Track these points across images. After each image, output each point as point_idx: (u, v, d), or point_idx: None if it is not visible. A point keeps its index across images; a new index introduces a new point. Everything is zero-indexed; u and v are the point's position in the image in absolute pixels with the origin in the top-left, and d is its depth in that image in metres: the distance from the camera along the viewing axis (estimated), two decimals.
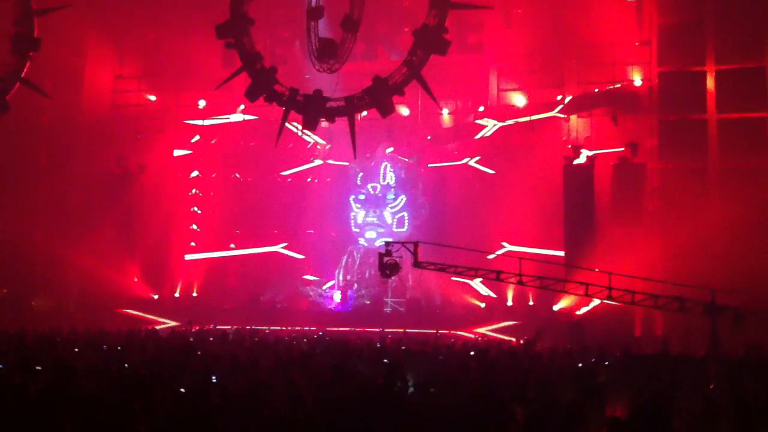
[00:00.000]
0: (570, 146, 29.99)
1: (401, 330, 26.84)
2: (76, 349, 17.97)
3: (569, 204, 29.52)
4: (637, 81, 30.22)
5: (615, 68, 30.86)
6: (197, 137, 35.19)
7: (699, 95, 29.42)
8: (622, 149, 29.34)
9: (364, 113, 25.57)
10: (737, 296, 18.86)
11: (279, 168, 34.59)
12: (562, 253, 28.87)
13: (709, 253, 26.69)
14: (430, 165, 33.38)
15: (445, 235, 27.92)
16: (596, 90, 30.79)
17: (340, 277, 33.08)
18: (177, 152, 35.18)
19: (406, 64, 21.89)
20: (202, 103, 34.80)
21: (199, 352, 17.18)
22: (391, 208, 33.09)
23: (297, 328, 28.69)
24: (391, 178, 33.26)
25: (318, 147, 34.45)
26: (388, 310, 31.64)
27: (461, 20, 30.22)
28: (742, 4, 28.85)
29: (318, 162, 34.53)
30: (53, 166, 35.03)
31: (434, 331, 26.96)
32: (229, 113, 34.39)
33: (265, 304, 32.69)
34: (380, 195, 33.15)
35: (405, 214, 33.05)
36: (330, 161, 34.18)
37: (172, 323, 30.69)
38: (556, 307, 28.49)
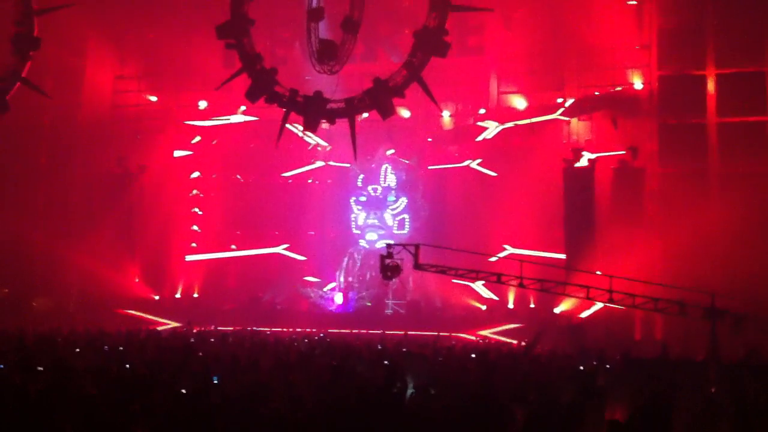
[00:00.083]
0: (571, 149, 30.01)
1: (402, 332, 26.83)
2: (77, 350, 17.95)
3: (569, 207, 29.54)
4: (638, 84, 30.25)
5: (615, 71, 30.88)
6: (198, 138, 35.18)
7: (699, 99, 29.46)
8: (623, 152, 29.36)
9: (365, 115, 25.57)
10: (737, 300, 18.83)
11: (279, 169, 34.59)
12: (562, 256, 28.87)
13: (709, 256, 26.68)
14: (430, 167, 33.40)
15: (445, 237, 27.95)
16: (596, 93, 30.81)
17: (341, 279, 33.09)
18: (177, 153, 35.14)
19: (407, 65, 21.90)
20: (202, 104, 34.79)
21: (200, 353, 17.17)
22: (392, 209, 33.11)
23: (298, 330, 28.67)
24: (391, 179, 33.28)
25: (318, 148, 34.45)
26: (388, 312, 31.65)
27: (461, 22, 30.24)
28: (742, 9, 28.87)
29: (319, 163, 34.54)
30: (53, 166, 35.07)
31: (435, 334, 26.94)
32: (230, 114, 34.37)
33: (265, 306, 32.69)
34: (381, 197, 33.17)
35: (405, 216, 33.07)
36: (331, 163, 34.19)
37: (173, 324, 30.66)
38: (556, 310, 28.49)
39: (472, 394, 11.35)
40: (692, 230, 26.19)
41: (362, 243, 33.15)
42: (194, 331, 26.50)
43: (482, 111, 32.94)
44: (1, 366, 13.65)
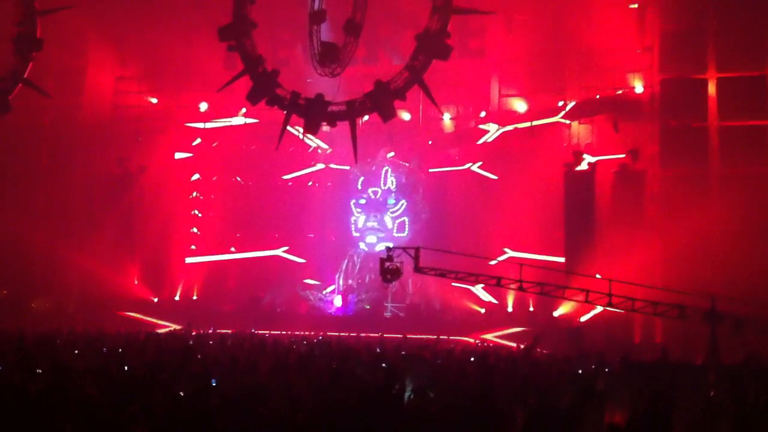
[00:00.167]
0: (572, 152, 30.00)
1: (401, 335, 26.78)
2: (76, 351, 17.95)
3: (570, 210, 29.55)
4: (639, 88, 30.26)
5: (616, 74, 30.91)
6: (198, 140, 35.18)
7: (700, 102, 29.44)
8: (623, 156, 29.37)
9: (366, 117, 25.55)
10: (737, 303, 18.82)
11: (280, 171, 34.58)
12: (562, 259, 28.86)
13: (709, 259, 26.69)
14: (431, 170, 33.41)
15: (445, 240, 27.95)
16: (597, 96, 30.81)
17: (341, 282, 33.08)
18: (178, 155, 35.14)
19: (408, 68, 21.90)
20: (203, 106, 34.79)
21: (198, 356, 17.16)
22: (392, 212, 33.09)
23: (297, 333, 28.63)
24: (391, 182, 33.28)
25: (319, 151, 34.45)
26: (388, 315, 31.63)
27: (463, 25, 30.22)
28: (743, 12, 28.85)
29: (319, 166, 34.53)
30: (54, 167, 35.08)
31: (434, 337, 26.90)
32: (231, 116, 34.38)
33: (264, 308, 32.67)
34: (381, 199, 33.16)
35: (405, 218, 33.06)
36: (331, 165, 34.19)
37: (172, 326, 30.63)
38: (556, 314, 28.48)
39: (471, 396, 11.35)
40: (693, 233, 26.18)
41: (362, 246, 33.13)
42: (193, 333, 26.48)
43: (483, 114, 32.96)
44: (1, 367, 13.67)
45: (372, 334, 27.41)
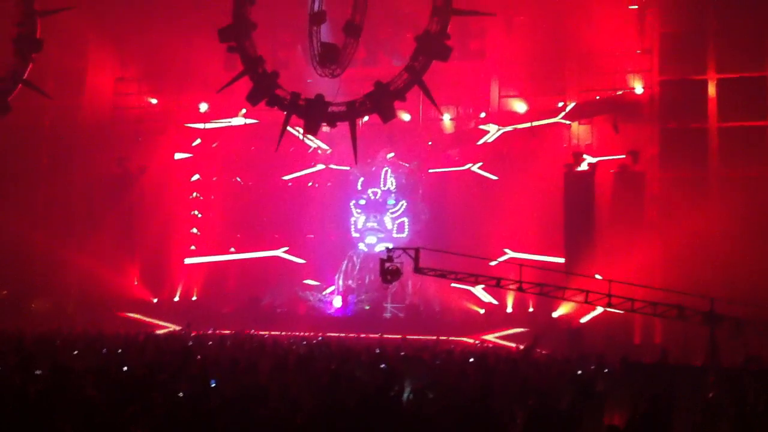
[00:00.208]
0: (572, 153, 30.01)
1: (400, 336, 26.78)
2: (76, 351, 17.96)
3: (570, 211, 29.54)
4: (638, 89, 30.26)
5: (616, 76, 30.92)
6: (198, 140, 35.17)
7: (700, 104, 29.46)
8: (623, 157, 29.39)
9: (366, 118, 25.54)
10: (737, 305, 18.83)
11: (280, 172, 34.53)
12: (562, 260, 28.86)
13: (709, 260, 26.69)
14: (430, 170, 33.38)
15: (445, 241, 27.93)
16: (597, 97, 30.83)
17: (341, 282, 33.07)
18: (178, 155, 35.12)
19: (408, 69, 21.88)
20: (203, 107, 34.78)
21: (198, 356, 17.16)
22: (392, 213, 33.08)
23: (297, 333, 28.63)
24: (391, 183, 33.28)
25: (319, 151, 34.42)
26: (387, 315, 31.63)
27: (463, 26, 30.23)
28: (743, 14, 28.89)
29: (319, 166, 34.49)
30: (54, 167, 35.09)
31: (433, 338, 26.90)
32: (231, 117, 34.36)
33: (264, 309, 32.67)
34: (381, 200, 33.15)
35: (405, 219, 33.05)
36: (331, 166, 34.16)
37: (172, 326, 30.63)
38: (555, 314, 28.47)
39: (470, 397, 11.35)
40: (692, 234, 26.20)
41: (362, 246, 33.12)
42: (192, 334, 26.47)
43: (483, 114, 32.95)
44: (1, 368, 13.67)
45: (371, 335, 27.43)
